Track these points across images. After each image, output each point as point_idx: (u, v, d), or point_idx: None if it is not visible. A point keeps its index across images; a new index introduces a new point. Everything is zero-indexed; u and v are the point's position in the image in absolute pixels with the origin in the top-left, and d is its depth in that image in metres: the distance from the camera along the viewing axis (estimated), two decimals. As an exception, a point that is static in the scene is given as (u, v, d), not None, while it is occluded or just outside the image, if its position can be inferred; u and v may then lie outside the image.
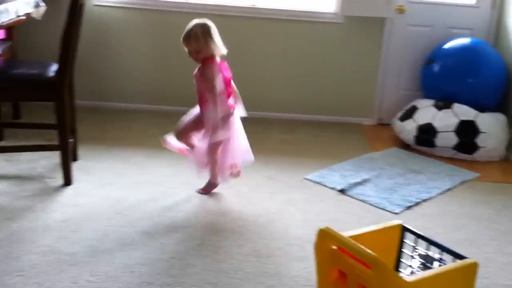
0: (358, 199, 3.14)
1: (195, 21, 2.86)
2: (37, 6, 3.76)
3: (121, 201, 2.88)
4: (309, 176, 3.41)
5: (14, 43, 3.88)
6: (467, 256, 1.93)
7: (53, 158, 3.25)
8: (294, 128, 4.37)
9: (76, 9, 2.85)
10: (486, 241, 2.79)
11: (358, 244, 1.76)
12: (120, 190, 3.01)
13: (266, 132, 4.23)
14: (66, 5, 2.88)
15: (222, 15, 4.35)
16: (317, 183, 3.33)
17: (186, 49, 2.86)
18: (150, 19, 4.35)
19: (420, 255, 2.09)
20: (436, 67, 4.19)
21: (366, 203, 3.10)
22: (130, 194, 2.97)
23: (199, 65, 2.91)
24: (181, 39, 2.83)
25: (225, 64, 2.97)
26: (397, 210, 3.02)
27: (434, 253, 2.07)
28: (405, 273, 2.08)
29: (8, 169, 3.17)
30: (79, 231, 2.54)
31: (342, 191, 3.22)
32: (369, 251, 1.71)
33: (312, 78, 4.56)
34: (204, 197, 3.01)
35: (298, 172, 3.48)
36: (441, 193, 3.31)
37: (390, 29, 4.46)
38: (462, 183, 3.51)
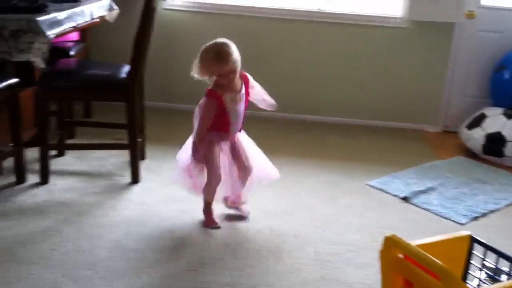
0: (422, 208, 3.08)
1: (220, 40, 2.60)
2: (110, 9, 3.91)
3: (185, 200, 2.94)
4: (371, 182, 3.37)
5: (87, 45, 4.04)
6: (538, 271, 1.87)
7: (122, 156, 3.35)
8: (355, 133, 4.33)
9: (148, 13, 2.94)
10: (558, 257, 2.67)
11: (427, 254, 1.73)
12: (184, 190, 3.07)
13: (326, 136, 4.22)
14: (138, 8, 2.98)
15: (289, 20, 4.39)
16: (379, 189, 3.29)
17: (218, 71, 2.54)
18: (217, 23, 4.42)
19: (488, 267, 2.04)
20: (507, 74, 4.05)
21: (430, 212, 3.04)
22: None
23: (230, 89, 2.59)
24: (213, 60, 2.52)
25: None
26: (462, 221, 2.95)
27: (503, 266, 2.01)
28: (472, 285, 2.03)
29: (79, 165, 3.30)
30: (145, 228, 2.62)
31: (405, 198, 3.17)
32: (438, 261, 1.68)
33: (376, 82, 4.51)
34: (264, 199, 3.03)
35: (359, 177, 3.45)
36: (509, 205, 3.20)
37: (459, 34, 4.35)
38: (532, 195, 3.38)
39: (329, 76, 4.50)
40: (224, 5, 4.41)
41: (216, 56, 2.52)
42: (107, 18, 3.86)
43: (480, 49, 4.40)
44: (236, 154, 2.69)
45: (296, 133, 4.19)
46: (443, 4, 4.14)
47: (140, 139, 3.22)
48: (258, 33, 4.41)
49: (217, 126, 2.62)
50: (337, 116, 4.56)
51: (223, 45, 2.54)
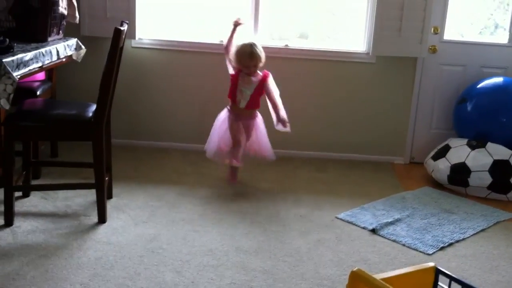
0: (390, 239, 3.11)
1: (250, 42, 3.67)
2: (78, 48, 3.92)
3: (153, 239, 2.92)
4: (341, 216, 3.39)
5: (54, 84, 4.02)
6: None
7: (88, 196, 3.32)
8: (325, 167, 4.37)
9: (115, 52, 2.94)
10: (523, 285, 2.72)
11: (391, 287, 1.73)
12: (153, 228, 3.05)
13: (297, 170, 4.25)
14: (105, 47, 2.98)
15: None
16: (349, 222, 3.31)
17: (249, 64, 3.63)
18: (185, 60, 4.46)
19: (454, 299, 2.06)
20: (469, 106, 4.16)
21: (398, 243, 3.07)
22: (163, 232, 3.01)
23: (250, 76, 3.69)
24: (248, 56, 3.61)
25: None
26: (430, 251, 2.98)
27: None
28: (438, 317, 2.04)
29: (44, 206, 3.24)
30: (112, 269, 2.58)
31: (373, 230, 3.20)
32: (401, 294, 1.69)
33: (343, 117, 4.58)
34: (234, 236, 3.02)
35: (329, 211, 3.47)
36: (475, 234, 3.26)
37: (422, 68, 4.47)
38: (497, 223, 3.44)
39: (298, 111, 4.55)
40: (194, 42, 4.44)
41: (251, 51, 3.61)
42: (74, 57, 3.86)
43: (442, 82, 4.52)
44: (246, 130, 3.76)
45: (268, 168, 4.21)
46: (406, 39, 4.26)
47: (107, 178, 3.19)
48: (227, 70, 4.46)
49: (231, 96, 3.73)
50: (308, 150, 4.60)
51: (254, 46, 3.65)
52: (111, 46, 2.91)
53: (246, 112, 3.73)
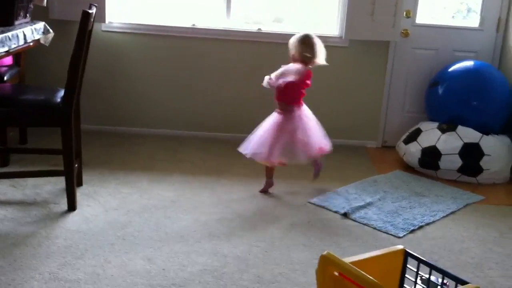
0: (362, 223, 3.13)
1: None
2: (45, 32, 3.83)
3: (124, 226, 2.89)
4: (313, 200, 3.41)
5: (22, 69, 3.93)
6: (470, 280, 1.93)
7: (58, 183, 3.27)
8: (299, 151, 4.37)
9: (84, 36, 2.88)
10: (491, 265, 2.77)
11: (360, 271, 1.75)
12: (124, 215, 3.02)
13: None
14: (74, 31, 2.92)
15: (229, 40, 4.40)
16: (321, 206, 3.33)
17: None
18: (157, 44, 4.41)
19: (423, 280, 2.09)
20: (440, 90, 4.19)
21: (369, 226, 3.10)
22: (134, 219, 2.98)
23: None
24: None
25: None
26: (400, 234, 3.02)
27: (437, 277, 2.06)
28: (407, 299, 2.07)
29: (13, 194, 3.19)
30: (82, 258, 2.55)
31: (345, 214, 3.22)
32: (371, 277, 1.70)
33: (317, 100, 4.55)
34: (207, 222, 3.02)
35: (302, 195, 3.48)
36: (445, 216, 3.30)
37: (395, 52, 4.49)
38: (466, 206, 3.50)
39: (271, 95, 4.53)
40: (165, 26, 4.38)
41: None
42: (42, 41, 3.78)
43: (415, 66, 4.55)
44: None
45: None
46: (379, 23, 4.26)
47: (77, 165, 3.14)
48: (200, 54, 4.43)
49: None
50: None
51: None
52: (79, 29, 2.85)
53: None
